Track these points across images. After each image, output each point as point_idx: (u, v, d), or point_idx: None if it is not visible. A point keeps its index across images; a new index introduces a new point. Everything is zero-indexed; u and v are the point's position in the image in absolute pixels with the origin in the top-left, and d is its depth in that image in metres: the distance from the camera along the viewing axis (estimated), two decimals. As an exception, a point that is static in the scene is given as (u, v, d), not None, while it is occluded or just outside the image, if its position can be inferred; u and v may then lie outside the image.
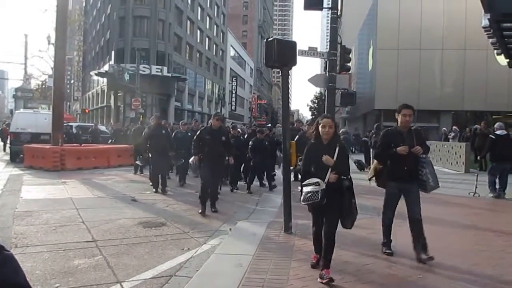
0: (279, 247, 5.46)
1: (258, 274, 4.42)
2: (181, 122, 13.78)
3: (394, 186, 5.11)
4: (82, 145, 18.19)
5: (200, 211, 7.89)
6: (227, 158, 8.98)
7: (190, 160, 8.62)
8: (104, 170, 15.42)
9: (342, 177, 4.37)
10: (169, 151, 10.65)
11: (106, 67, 42.34)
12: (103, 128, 25.57)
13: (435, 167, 5.20)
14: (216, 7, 62.78)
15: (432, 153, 18.66)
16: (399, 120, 5.19)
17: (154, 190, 10.45)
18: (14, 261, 1.30)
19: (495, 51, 13.32)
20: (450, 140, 21.42)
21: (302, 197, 4.37)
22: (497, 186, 9.99)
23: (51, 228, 6.50)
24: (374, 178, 5.41)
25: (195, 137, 8.53)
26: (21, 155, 16.97)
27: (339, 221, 4.42)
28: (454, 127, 23.69)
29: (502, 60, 13.84)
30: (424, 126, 37.07)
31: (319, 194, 4.21)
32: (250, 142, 11.12)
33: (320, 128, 4.46)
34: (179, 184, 11.79)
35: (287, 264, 4.71)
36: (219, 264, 4.82)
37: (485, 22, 9.81)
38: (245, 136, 13.49)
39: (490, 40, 11.95)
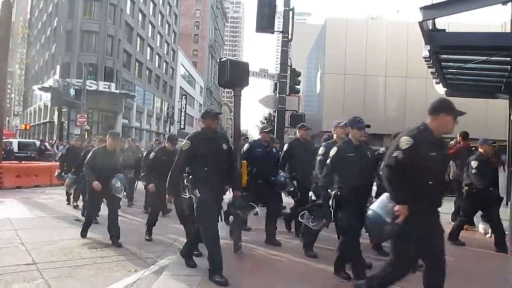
0: (229, 267, 5.42)
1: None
2: (263, 127, 7.62)
3: None
4: (22, 162, 17.34)
5: None
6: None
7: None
8: (46, 188, 14.75)
9: None
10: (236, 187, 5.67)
11: (50, 82, 40.86)
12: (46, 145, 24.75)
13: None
14: (167, 25, 62.57)
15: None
16: None
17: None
18: None
19: (434, 80, 14.10)
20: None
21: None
22: None
23: (-14, 250, 6.12)
24: None
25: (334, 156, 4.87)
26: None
27: None
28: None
29: (440, 89, 14.64)
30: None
31: None
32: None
33: None
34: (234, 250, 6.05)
35: (238, 285, 4.69)
36: (168, 286, 4.73)
37: (425, 53, 10.40)
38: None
39: (430, 70, 12.65)
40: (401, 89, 34.36)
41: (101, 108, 40.44)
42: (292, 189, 6.72)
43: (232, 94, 6.78)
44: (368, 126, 5.05)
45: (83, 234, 7.08)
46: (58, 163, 13.83)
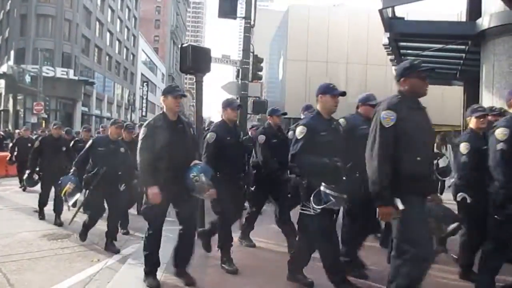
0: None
1: (173, 281, 4.35)
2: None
3: None
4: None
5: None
6: None
7: None
8: (2, 179, 14.21)
9: None
10: None
11: (4, 68, 39.10)
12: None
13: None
14: (127, 9, 60.90)
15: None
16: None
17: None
18: None
19: (393, 67, 14.48)
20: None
21: None
22: None
23: None
24: None
25: None
26: None
27: None
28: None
29: (399, 75, 15.06)
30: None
31: None
32: None
33: None
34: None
35: (203, 270, 4.70)
36: (132, 275, 4.66)
37: (385, 40, 10.67)
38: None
39: (389, 57, 12.98)
40: (362, 75, 35.00)
41: (59, 96, 39.12)
42: None
43: (194, 80, 6.73)
44: None
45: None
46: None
